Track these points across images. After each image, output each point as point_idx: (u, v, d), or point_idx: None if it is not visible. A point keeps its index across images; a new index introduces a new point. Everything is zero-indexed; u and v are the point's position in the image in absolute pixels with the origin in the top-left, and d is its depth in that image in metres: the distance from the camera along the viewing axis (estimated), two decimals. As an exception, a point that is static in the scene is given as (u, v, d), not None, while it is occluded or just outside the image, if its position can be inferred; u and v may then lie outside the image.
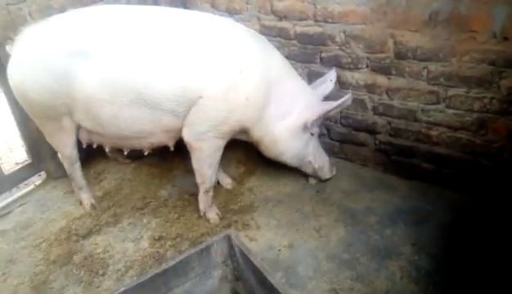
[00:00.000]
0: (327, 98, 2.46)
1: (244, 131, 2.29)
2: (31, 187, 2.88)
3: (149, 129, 2.24)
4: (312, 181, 2.66)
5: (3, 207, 2.69)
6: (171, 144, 2.37)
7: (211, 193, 2.42)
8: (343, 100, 2.27)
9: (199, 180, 2.37)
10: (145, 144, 2.38)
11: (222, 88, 2.08)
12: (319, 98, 2.44)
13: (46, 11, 2.50)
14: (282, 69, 2.33)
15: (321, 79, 2.53)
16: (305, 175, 2.68)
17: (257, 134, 2.33)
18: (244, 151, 3.02)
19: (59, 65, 2.08)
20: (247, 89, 2.12)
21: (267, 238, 2.29)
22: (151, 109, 2.14)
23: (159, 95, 2.09)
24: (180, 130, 2.22)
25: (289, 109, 2.32)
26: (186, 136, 2.22)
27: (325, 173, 2.60)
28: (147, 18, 2.18)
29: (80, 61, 2.08)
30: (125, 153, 2.55)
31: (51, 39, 2.11)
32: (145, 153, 2.48)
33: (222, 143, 2.28)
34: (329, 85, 2.50)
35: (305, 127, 2.35)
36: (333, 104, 2.32)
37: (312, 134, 2.46)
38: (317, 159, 2.54)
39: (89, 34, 2.10)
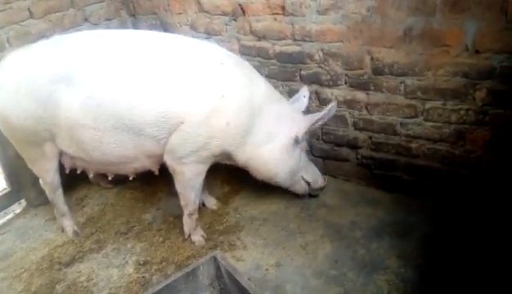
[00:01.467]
0: (305, 114, 2.48)
1: (227, 155, 2.28)
2: (11, 215, 2.82)
3: (132, 154, 2.22)
4: (316, 191, 2.63)
5: (-18, 238, 2.62)
6: (155, 169, 2.36)
7: (195, 216, 2.40)
8: (328, 108, 2.28)
9: (182, 202, 2.35)
10: (130, 169, 2.37)
11: (202, 113, 2.08)
12: (300, 113, 2.46)
13: (24, 38, 2.50)
14: (265, 93, 2.32)
15: (295, 97, 2.55)
16: (292, 193, 2.68)
17: (242, 159, 2.31)
18: (228, 170, 3.01)
19: (43, 91, 2.08)
20: (228, 114, 2.11)
21: (253, 258, 2.27)
22: (134, 134, 2.13)
23: (141, 121, 2.08)
24: (162, 155, 2.21)
25: (275, 132, 2.31)
26: (168, 160, 2.21)
27: (320, 183, 2.58)
28: (130, 43, 2.19)
29: (64, 87, 2.08)
30: (109, 178, 2.53)
31: (35, 65, 2.11)
32: (130, 178, 2.46)
33: (204, 167, 2.26)
34: (303, 101, 2.51)
35: (296, 142, 2.35)
36: (319, 114, 2.33)
37: (300, 149, 2.44)
38: (309, 172, 2.53)
39: (72, 60, 2.10)
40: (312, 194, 2.63)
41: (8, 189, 2.85)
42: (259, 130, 2.26)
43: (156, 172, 2.38)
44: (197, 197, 2.36)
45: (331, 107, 2.29)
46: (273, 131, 2.31)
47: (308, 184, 2.54)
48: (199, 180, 2.30)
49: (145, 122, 2.09)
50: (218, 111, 2.09)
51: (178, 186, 2.30)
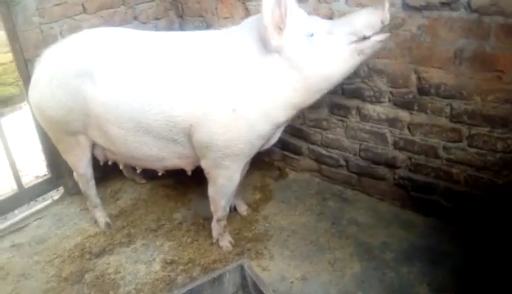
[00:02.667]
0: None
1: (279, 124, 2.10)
2: (49, 201, 2.92)
3: (159, 154, 2.23)
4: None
5: (20, 221, 2.73)
6: (188, 169, 2.35)
7: (224, 222, 2.40)
8: None
9: (212, 208, 2.35)
10: (159, 166, 2.38)
11: (203, 109, 2.00)
12: None
13: (76, 31, 2.56)
14: (254, 47, 2.01)
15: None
16: (321, 205, 2.64)
17: (288, 116, 2.08)
18: (260, 177, 3.01)
19: (71, 83, 2.14)
20: (230, 99, 1.98)
21: (279, 269, 2.25)
22: (154, 137, 2.14)
23: (156, 125, 2.08)
24: (195, 156, 2.20)
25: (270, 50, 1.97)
26: (203, 164, 2.20)
27: (376, 20, 1.87)
28: (151, 43, 2.18)
29: (88, 80, 2.13)
30: (138, 171, 2.56)
31: (64, 58, 2.18)
32: (160, 174, 2.47)
33: (236, 168, 2.18)
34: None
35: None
36: None
37: (311, 35, 1.94)
38: (355, 24, 1.91)
39: (93, 56, 2.14)
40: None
41: (48, 176, 2.95)
42: (270, 80, 1.99)
43: (189, 173, 2.38)
44: (228, 204, 2.35)
45: None
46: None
47: (364, 38, 1.92)
48: (232, 187, 2.27)
49: (159, 126, 2.08)
50: (219, 102, 1.98)
51: (211, 191, 2.30)
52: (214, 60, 2.03)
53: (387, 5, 1.86)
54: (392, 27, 2.02)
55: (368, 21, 1.89)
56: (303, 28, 1.94)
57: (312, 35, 1.93)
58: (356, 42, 1.91)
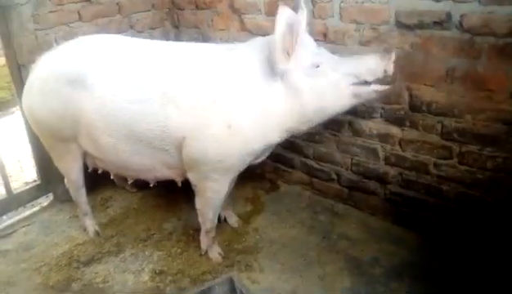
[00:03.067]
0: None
1: (264, 149, 2.13)
2: (37, 208, 2.89)
3: (149, 164, 2.22)
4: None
5: (8, 227, 2.70)
6: (178, 180, 2.33)
7: (212, 234, 2.39)
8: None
9: (200, 219, 2.35)
10: (149, 177, 2.37)
11: (200, 125, 1.99)
12: None
13: (71, 38, 2.56)
14: (254, 62, 2.04)
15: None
16: (312, 218, 2.64)
17: (278, 138, 2.10)
18: (252, 189, 3.01)
19: (63, 90, 2.13)
20: (226, 116, 1.98)
21: (269, 282, 2.24)
22: (146, 146, 2.12)
23: (148, 134, 2.07)
24: (183, 167, 2.18)
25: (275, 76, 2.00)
26: (190, 177, 2.20)
27: (379, 67, 1.95)
28: (145, 52, 2.18)
29: (80, 88, 2.12)
30: (129, 182, 2.55)
31: (57, 66, 2.17)
32: (151, 185, 2.46)
33: (225, 182, 2.19)
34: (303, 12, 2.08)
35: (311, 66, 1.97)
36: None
37: (317, 66, 1.98)
38: (358, 67, 1.99)
39: (87, 64, 2.13)
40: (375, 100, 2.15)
41: (38, 182, 2.92)
42: (269, 101, 2.01)
43: (179, 184, 2.36)
44: (215, 216, 2.34)
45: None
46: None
47: (366, 83, 1.99)
48: (220, 199, 2.26)
49: (151, 135, 2.07)
50: (215, 117, 1.99)
51: (198, 203, 2.29)
52: (215, 75, 2.04)
53: (393, 56, 1.94)
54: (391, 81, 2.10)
55: (372, 67, 1.96)
56: (310, 57, 1.98)
57: (318, 67, 1.98)
58: (356, 84, 1.98)
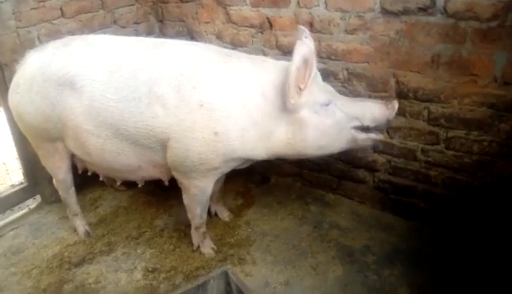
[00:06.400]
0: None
1: (241, 160, 2.12)
2: (25, 210, 2.84)
3: (136, 163, 2.20)
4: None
5: (-5, 231, 2.65)
6: (165, 179, 2.32)
7: (202, 230, 2.38)
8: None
9: (189, 215, 2.34)
10: (137, 177, 2.36)
11: (185, 128, 1.97)
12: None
13: (54, 36, 2.52)
14: (256, 78, 2.03)
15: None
16: (303, 209, 2.65)
17: (263, 154, 2.08)
18: (242, 183, 3.00)
19: (51, 91, 2.10)
20: (213, 123, 1.96)
21: (262, 275, 2.25)
22: (132, 144, 2.11)
23: (135, 132, 2.05)
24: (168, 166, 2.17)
25: (281, 106, 1.98)
26: (175, 174, 2.20)
27: (381, 115, 2.04)
28: (129, 51, 2.14)
29: (69, 89, 2.09)
30: (118, 183, 2.54)
31: (45, 66, 2.13)
32: (139, 185, 2.45)
33: (209, 182, 2.19)
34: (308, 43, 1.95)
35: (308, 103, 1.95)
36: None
37: (326, 104, 2.00)
38: (359, 114, 2.04)
39: (76, 65, 2.10)
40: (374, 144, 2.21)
41: (25, 184, 2.88)
42: (265, 122, 1.99)
43: (166, 183, 2.35)
44: (204, 211, 2.33)
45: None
46: (279, 109, 1.99)
47: (367, 128, 2.07)
48: (205, 196, 2.25)
49: (138, 134, 2.06)
50: (201, 122, 1.96)
51: (185, 199, 2.29)
52: (206, 78, 1.99)
53: (396, 105, 2.04)
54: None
55: (376, 114, 2.03)
56: (321, 95, 2.00)
57: (328, 105, 1.99)
58: (356, 128, 2.04)
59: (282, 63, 2.08)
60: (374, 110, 2.03)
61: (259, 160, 2.16)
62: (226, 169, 2.17)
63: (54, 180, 2.55)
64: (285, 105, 1.94)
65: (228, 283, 1.75)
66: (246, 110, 1.97)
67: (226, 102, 1.97)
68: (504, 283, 2.03)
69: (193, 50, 2.14)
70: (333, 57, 2.50)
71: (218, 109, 1.96)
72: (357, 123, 2.03)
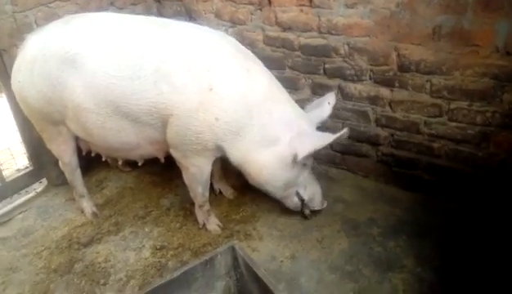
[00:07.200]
0: (323, 122, 2.34)
1: (222, 151, 2.17)
2: (32, 194, 2.87)
3: (135, 141, 2.23)
4: (307, 212, 2.42)
5: (4, 214, 2.68)
6: (161, 157, 2.36)
7: (206, 208, 2.41)
8: (339, 135, 2.08)
9: (192, 194, 2.38)
10: (135, 156, 2.39)
11: (189, 107, 2.01)
12: (313, 125, 2.25)
13: (51, 19, 2.50)
14: (267, 91, 2.15)
15: (318, 101, 2.39)
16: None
17: (235, 158, 2.18)
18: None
19: (52, 72, 2.11)
20: (217, 109, 2.02)
21: (269, 249, 2.29)
22: (132, 121, 2.13)
23: (136, 109, 2.08)
24: (165, 142, 2.19)
25: (277, 136, 2.14)
26: (173, 153, 2.22)
27: (317, 204, 2.40)
28: (135, 29, 2.14)
29: (69, 68, 2.09)
30: (119, 162, 2.57)
31: (46, 46, 2.13)
32: (139, 164, 2.49)
33: (206, 161, 2.22)
34: (326, 108, 2.32)
35: (294, 161, 2.16)
36: (327, 138, 2.13)
37: (304, 164, 2.27)
38: (308, 189, 2.35)
39: (76, 43, 2.10)
40: (305, 214, 2.43)
41: (30, 168, 2.90)
42: (256, 130, 2.11)
43: (162, 160, 2.40)
44: (205, 190, 2.36)
45: (342, 134, 2.08)
46: (273, 136, 2.14)
47: (302, 201, 2.36)
48: (205, 174, 2.28)
49: (139, 111, 2.08)
50: (206, 105, 2.01)
51: (185, 179, 2.32)
52: (223, 69, 2.06)
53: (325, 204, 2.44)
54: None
55: (316, 202, 2.40)
56: (309, 160, 2.31)
57: (304, 165, 2.28)
58: (298, 197, 2.35)
59: (295, 105, 2.29)
60: (317, 199, 2.40)
61: None
62: (221, 153, 2.21)
63: (60, 163, 2.57)
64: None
65: (235, 258, 1.78)
66: (250, 115, 2.08)
67: (236, 97, 2.04)
68: (508, 253, 2.06)
69: (206, 36, 2.17)
70: (333, 32, 2.48)
71: (226, 99, 2.02)
72: (305, 198, 2.35)
